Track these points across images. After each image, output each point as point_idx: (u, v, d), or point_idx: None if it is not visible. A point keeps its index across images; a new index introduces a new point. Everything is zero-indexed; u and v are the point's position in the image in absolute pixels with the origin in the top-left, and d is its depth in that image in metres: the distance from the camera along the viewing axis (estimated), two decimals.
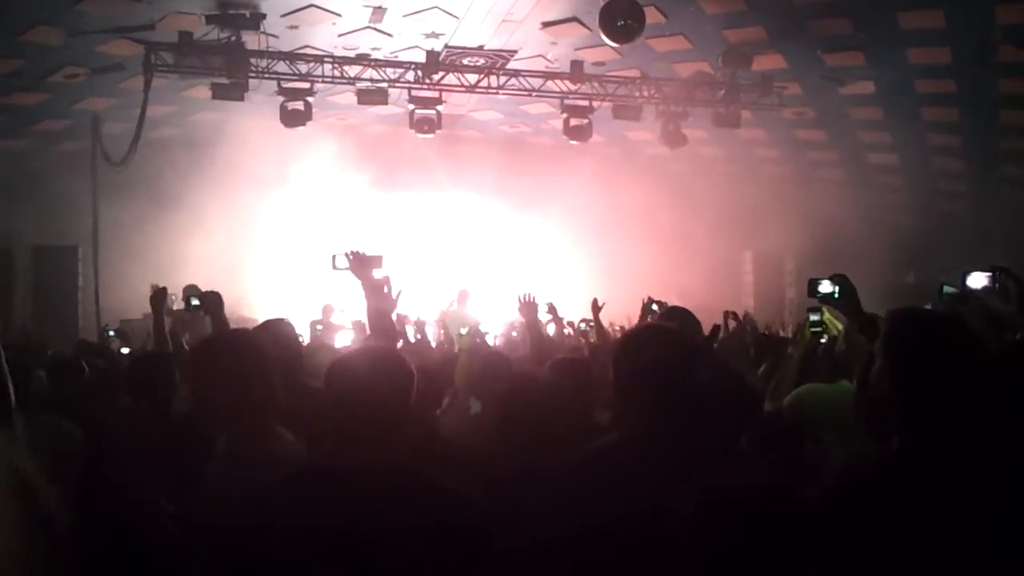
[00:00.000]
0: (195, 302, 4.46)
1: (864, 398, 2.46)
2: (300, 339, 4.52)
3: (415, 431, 2.33)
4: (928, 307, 3.73)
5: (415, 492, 2.11)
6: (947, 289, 3.38)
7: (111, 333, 7.94)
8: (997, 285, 3.28)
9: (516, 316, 10.50)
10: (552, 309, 7.14)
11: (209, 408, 2.69)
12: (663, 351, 2.42)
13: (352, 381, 2.22)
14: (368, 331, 3.73)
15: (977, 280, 3.29)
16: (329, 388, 2.24)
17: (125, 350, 7.06)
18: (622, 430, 2.46)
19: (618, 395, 2.50)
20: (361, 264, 3.66)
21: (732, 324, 7.63)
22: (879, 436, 2.25)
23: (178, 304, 9.94)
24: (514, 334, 9.09)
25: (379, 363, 2.26)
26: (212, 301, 4.22)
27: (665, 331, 2.59)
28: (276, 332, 3.49)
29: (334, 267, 3.79)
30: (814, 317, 5.28)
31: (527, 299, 5.21)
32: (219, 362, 2.69)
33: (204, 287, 9.78)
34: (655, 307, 5.79)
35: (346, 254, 3.72)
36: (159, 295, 5.07)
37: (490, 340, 7.95)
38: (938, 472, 2.03)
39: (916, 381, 2.11)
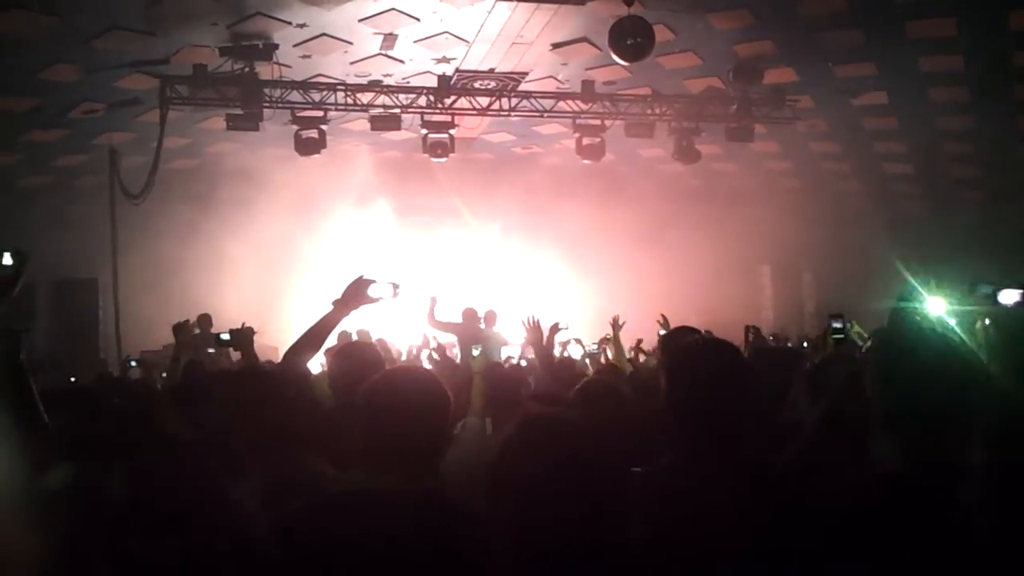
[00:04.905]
0: (225, 337, 4.43)
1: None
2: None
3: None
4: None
5: (444, 518, 2.08)
6: (981, 289, 3.32)
7: (133, 363, 7.96)
8: None
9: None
10: (554, 329, 6.56)
11: (238, 437, 2.78)
12: (723, 366, 2.38)
13: (392, 403, 2.17)
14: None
15: (1009, 296, 3.24)
16: (368, 409, 2.19)
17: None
18: (676, 452, 2.36)
19: (670, 410, 2.40)
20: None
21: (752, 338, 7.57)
22: None
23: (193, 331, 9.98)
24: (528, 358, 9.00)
25: (419, 385, 2.23)
26: (243, 339, 4.23)
27: (722, 345, 2.53)
28: (361, 355, 3.60)
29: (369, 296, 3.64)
30: (836, 324, 5.20)
31: (532, 322, 4.96)
32: (242, 396, 2.79)
33: (223, 315, 9.88)
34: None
35: (392, 284, 3.56)
36: (182, 327, 5.19)
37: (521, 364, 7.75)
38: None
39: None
